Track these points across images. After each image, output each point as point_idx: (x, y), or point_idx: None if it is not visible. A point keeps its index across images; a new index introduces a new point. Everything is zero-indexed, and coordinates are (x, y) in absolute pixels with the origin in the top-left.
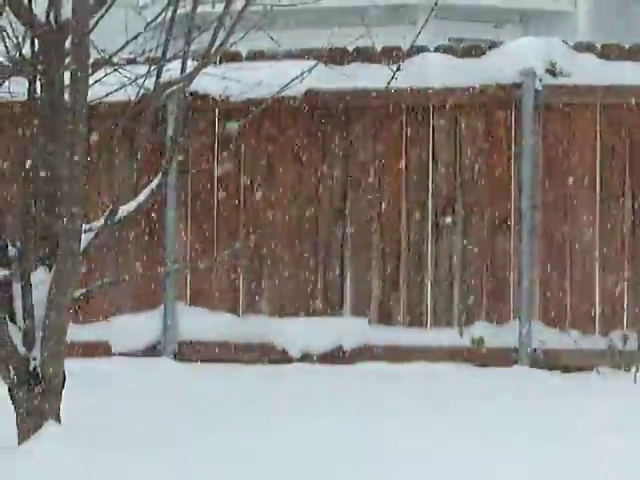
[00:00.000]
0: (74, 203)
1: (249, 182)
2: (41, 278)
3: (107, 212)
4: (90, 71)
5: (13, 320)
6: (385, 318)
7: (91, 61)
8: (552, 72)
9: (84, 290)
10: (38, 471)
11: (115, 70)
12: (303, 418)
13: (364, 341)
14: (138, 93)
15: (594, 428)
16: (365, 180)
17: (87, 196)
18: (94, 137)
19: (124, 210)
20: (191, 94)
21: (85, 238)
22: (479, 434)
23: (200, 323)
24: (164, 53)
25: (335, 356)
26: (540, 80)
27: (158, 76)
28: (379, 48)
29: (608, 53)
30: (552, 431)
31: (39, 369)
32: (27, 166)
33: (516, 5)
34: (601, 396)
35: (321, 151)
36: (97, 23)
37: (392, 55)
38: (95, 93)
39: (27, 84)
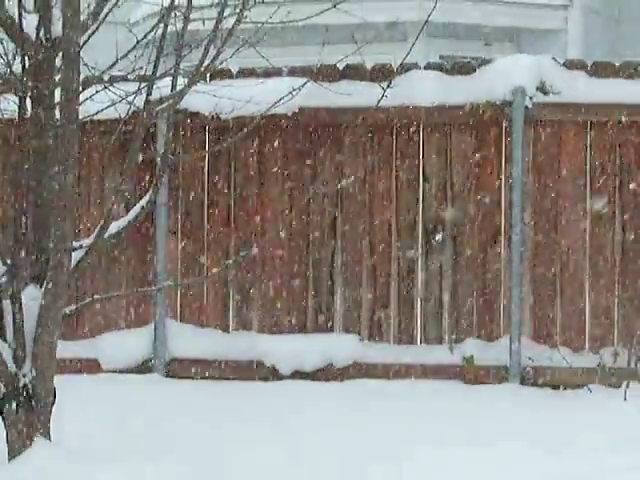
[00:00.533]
0: (65, 220)
1: (240, 199)
2: (31, 295)
3: (97, 229)
4: (81, 88)
5: (3, 337)
6: (376, 335)
7: (82, 78)
8: (543, 90)
9: (74, 307)
10: None
11: (106, 87)
12: (291, 436)
13: (355, 358)
14: (129, 110)
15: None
16: (355, 197)
17: (78, 213)
18: (85, 154)
19: (114, 227)
20: (181, 111)
21: (75, 255)
22: (469, 450)
23: (190, 340)
24: (154, 70)
25: (326, 373)
26: (531, 98)
27: (149, 93)
28: (369, 65)
29: (599, 71)
30: (545, 447)
31: (29, 386)
32: (18, 183)
33: (507, 23)
34: (591, 413)
35: (311, 168)
36: (87, 40)
37: (383, 72)
38: (86, 110)
39: (18, 101)
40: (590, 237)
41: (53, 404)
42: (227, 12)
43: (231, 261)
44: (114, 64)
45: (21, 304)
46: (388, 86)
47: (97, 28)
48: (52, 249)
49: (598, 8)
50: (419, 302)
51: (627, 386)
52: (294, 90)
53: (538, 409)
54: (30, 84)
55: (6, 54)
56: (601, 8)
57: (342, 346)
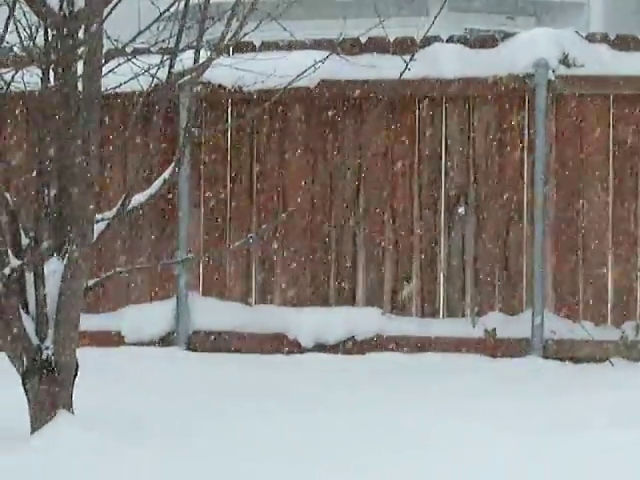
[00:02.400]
0: (87, 193)
1: (262, 172)
2: (54, 268)
3: (120, 202)
4: (103, 61)
5: (26, 310)
6: (398, 309)
7: (104, 51)
8: (565, 63)
9: (96, 279)
10: (50, 460)
11: (128, 60)
12: (318, 412)
13: (377, 331)
14: (151, 83)
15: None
16: (378, 170)
17: (100, 186)
18: (107, 127)
19: (137, 200)
20: (204, 84)
21: (98, 228)
22: (492, 424)
23: (213, 313)
24: (177, 43)
25: (348, 346)
26: (553, 71)
27: (171, 66)
28: (392, 39)
29: (622, 44)
30: (563, 422)
31: (52, 359)
32: (40, 156)
33: None
34: (613, 388)
35: (334, 141)
36: (110, 13)
37: (405, 45)
38: (108, 83)
39: (40, 74)
40: (613, 211)
41: (75, 377)
42: None
43: (253, 234)
44: (136, 36)
45: (44, 276)
46: (411, 59)
47: (120, 0)
48: (74, 222)
49: None
50: (442, 276)
51: None
52: (316, 63)
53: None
54: (53, 57)
55: (29, 27)
56: None
57: (364, 319)
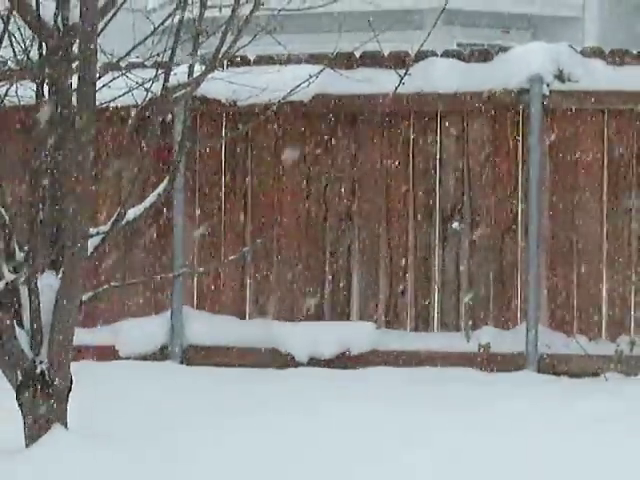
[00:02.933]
0: (82, 207)
1: (257, 185)
2: (48, 282)
3: (114, 216)
4: (98, 75)
5: (20, 324)
6: (392, 322)
7: (99, 65)
8: (560, 77)
9: (91, 294)
10: (45, 474)
11: (123, 74)
12: (309, 422)
13: (371, 346)
14: (146, 97)
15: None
16: (372, 184)
17: (95, 199)
18: (102, 141)
19: (131, 214)
20: (199, 98)
21: (92, 242)
22: (490, 437)
23: (207, 327)
24: (172, 57)
25: (342, 361)
26: (548, 85)
27: (166, 80)
28: (387, 53)
29: (616, 59)
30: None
31: (46, 373)
32: (35, 170)
33: (524, 10)
34: (607, 401)
35: (329, 155)
36: (105, 27)
37: (399, 60)
38: (103, 97)
39: (35, 88)
40: (607, 226)
41: (70, 391)
42: None
43: (247, 248)
44: (131, 51)
45: (38, 290)
46: (405, 73)
47: (114, 15)
48: (69, 236)
49: None
50: (436, 289)
51: None
52: (311, 77)
53: (556, 397)
54: (47, 71)
55: (24, 41)
56: None
57: (359, 333)
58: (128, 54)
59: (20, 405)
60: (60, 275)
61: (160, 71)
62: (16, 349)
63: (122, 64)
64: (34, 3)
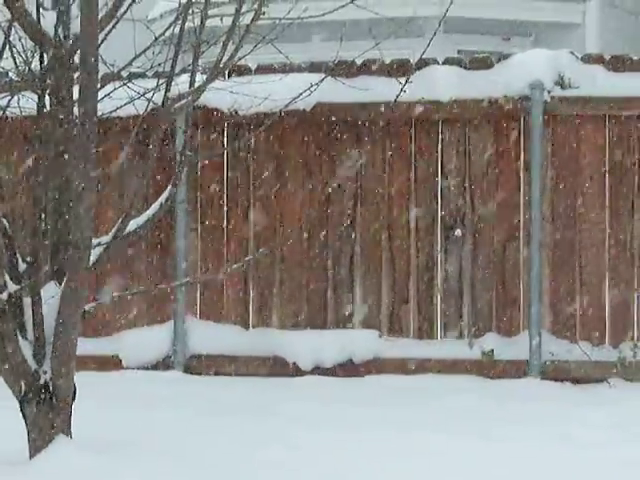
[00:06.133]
0: (84, 217)
1: (259, 195)
2: (51, 292)
3: (116, 226)
4: (99, 85)
5: (24, 334)
6: (395, 331)
7: (100, 75)
8: (561, 84)
9: (93, 304)
10: None
11: (124, 84)
12: (317, 432)
13: (374, 354)
14: (147, 107)
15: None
16: (374, 192)
17: (97, 210)
18: (103, 151)
19: (134, 224)
20: (200, 108)
21: (95, 252)
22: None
23: (210, 337)
24: (173, 67)
25: (346, 369)
26: (549, 92)
27: (167, 90)
28: (387, 61)
29: (617, 64)
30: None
31: (49, 383)
32: (37, 181)
33: (525, 17)
34: (610, 407)
35: (330, 164)
36: (105, 37)
37: (400, 68)
38: (104, 107)
39: (36, 99)
40: (609, 231)
41: (73, 401)
42: (245, 8)
43: (249, 257)
44: (132, 61)
45: (41, 301)
46: (406, 81)
47: (115, 25)
48: (71, 246)
49: (616, 2)
50: (438, 297)
51: None
52: (312, 86)
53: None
54: (48, 81)
55: (25, 51)
56: (619, 1)
57: (362, 341)
58: (129, 64)
59: (24, 416)
60: (63, 286)
61: (161, 81)
62: (19, 360)
63: (123, 74)
64: (35, 14)
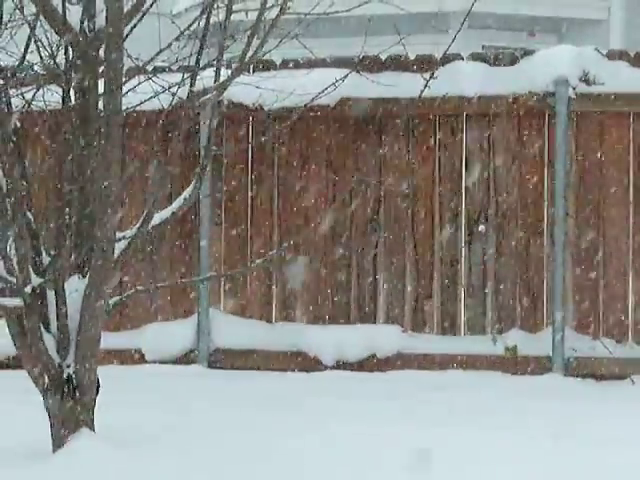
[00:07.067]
0: (108, 211)
1: (283, 190)
2: (75, 286)
3: (141, 220)
4: (124, 79)
5: (47, 328)
6: (419, 326)
7: (125, 69)
8: (586, 80)
9: (118, 297)
10: (72, 478)
11: (149, 78)
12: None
13: (397, 349)
14: (172, 102)
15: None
16: (398, 188)
17: (121, 204)
18: (128, 145)
19: (158, 218)
20: (224, 103)
21: (119, 246)
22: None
23: (234, 331)
24: (197, 61)
25: (369, 364)
26: (574, 88)
27: (192, 84)
28: (412, 56)
29: None
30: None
31: (73, 377)
32: (62, 174)
33: (549, 13)
34: (632, 405)
35: (355, 159)
36: (131, 31)
37: (425, 63)
38: (129, 101)
39: (62, 93)
40: (633, 228)
41: (97, 394)
42: (270, 3)
43: (273, 252)
44: (157, 55)
45: (65, 295)
46: (431, 77)
47: (140, 19)
48: (96, 240)
49: None
50: (462, 293)
51: None
52: (337, 81)
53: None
54: (74, 75)
55: (50, 45)
56: None
57: (385, 337)
58: (154, 58)
59: (47, 409)
60: (87, 279)
61: (186, 75)
62: (43, 353)
63: (148, 68)
64: (60, 8)
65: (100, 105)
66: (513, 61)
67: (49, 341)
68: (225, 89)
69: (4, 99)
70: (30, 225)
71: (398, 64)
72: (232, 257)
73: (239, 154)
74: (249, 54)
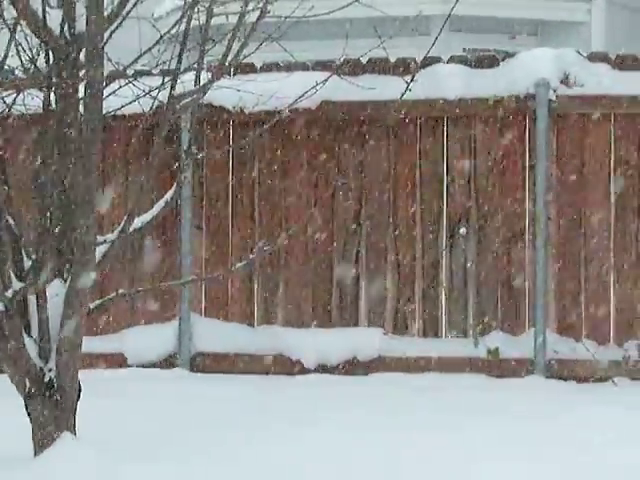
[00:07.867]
0: (89, 215)
1: (264, 193)
2: (56, 290)
3: (121, 224)
4: (104, 83)
5: (29, 332)
6: (400, 328)
7: (105, 73)
8: (566, 82)
9: (98, 302)
10: None
11: (129, 82)
12: (318, 430)
13: (379, 352)
14: (152, 105)
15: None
16: (380, 191)
17: (101, 208)
18: (109, 149)
19: (138, 222)
20: (205, 106)
21: (100, 250)
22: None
23: (215, 334)
24: (178, 65)
25: (350, 367)
26: (554, 90)
27: (172, 88)
28: (393, 59)
29: (622, 63)
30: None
31: (54, 381)
32: (42, 179)
33: (530, 16)
34: (614, 406)
35: (335, 162)
36: (111, 35)
37: (406, 66)
38: (109, 105)
39: (42, 97)
40: (614, 230)
41: (78, 399)
42: (250, 6)
43: (254, 256)
44: (138, 58)
45: (46, 299)
46: (411, 80)
47: (121, 23)
48: (76, 244)
49: (622, 0)
50: (443, 295)
51: None
52: (317, 84)
53: (563, 403)
54: (54, 79)
55: (30, 49)
56: (625, 0)
57: (366, 340)
58: (135, 62)
59: (28, 413)
60: (67, 283)
61: (167, 79)
62: (25, 358)
63: (129, 72)
64: (40, 12)
65: (81, 109)
66: (494, 63)
67: (30, 345)
68: (205, 92)
69: None
70: (11, 229)
71: (379, 67)
72: (213, 260)
73: (220, 157)
74: (229, 57)
